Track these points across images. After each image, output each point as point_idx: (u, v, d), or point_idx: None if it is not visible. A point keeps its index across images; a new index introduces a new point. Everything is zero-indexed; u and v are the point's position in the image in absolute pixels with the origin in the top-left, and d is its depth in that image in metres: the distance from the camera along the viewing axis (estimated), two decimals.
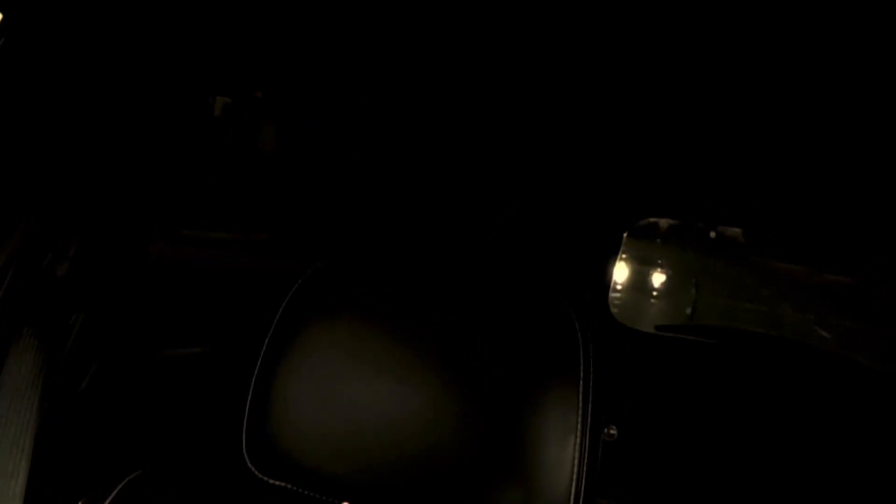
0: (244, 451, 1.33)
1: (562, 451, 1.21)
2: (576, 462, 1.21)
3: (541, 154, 2.90)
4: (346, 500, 1.35)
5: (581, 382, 1.22)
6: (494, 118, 2.32)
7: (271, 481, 1.33)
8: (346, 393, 1.27)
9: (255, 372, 1.31)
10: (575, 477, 1.21)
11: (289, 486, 1.33)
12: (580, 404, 1.22)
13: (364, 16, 1.56)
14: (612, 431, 2.87)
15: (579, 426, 1.22)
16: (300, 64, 1.87)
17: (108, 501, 1.40)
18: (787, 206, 3.05)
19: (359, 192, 2.59)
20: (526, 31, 1.54)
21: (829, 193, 2.71)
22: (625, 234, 3.73)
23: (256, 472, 1.33)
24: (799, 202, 3.02)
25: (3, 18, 1.63)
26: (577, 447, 1.21)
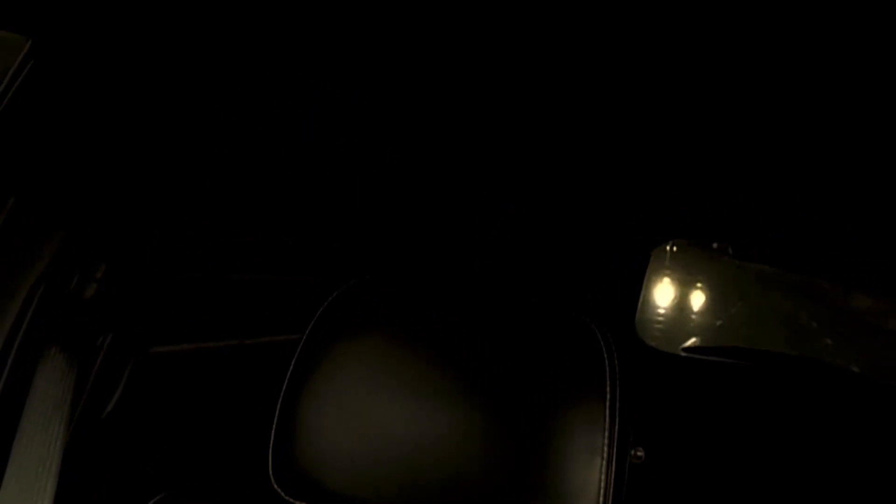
0: (270, 473, 1.32)
1: (588, 474, 1.19)
2: (602, 485, 1.19)
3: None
4: None
5: (607, 403, 1.21)
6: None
7: (297, 503, 1.32)
8: (373, 415, 1.26)
9: (282, 393, 1.30)
10: (601, 499, 1.19)
11: None
12: (606, 425, 1.20)
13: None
14: (639, 453, 2.84)
15: (605, 448, 1.20)
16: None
17: None
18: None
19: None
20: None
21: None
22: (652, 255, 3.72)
23: (283, 494, 1.32)
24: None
25: (32, 43, 1.63)
26: (604, 469, 1.20)
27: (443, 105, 2.17)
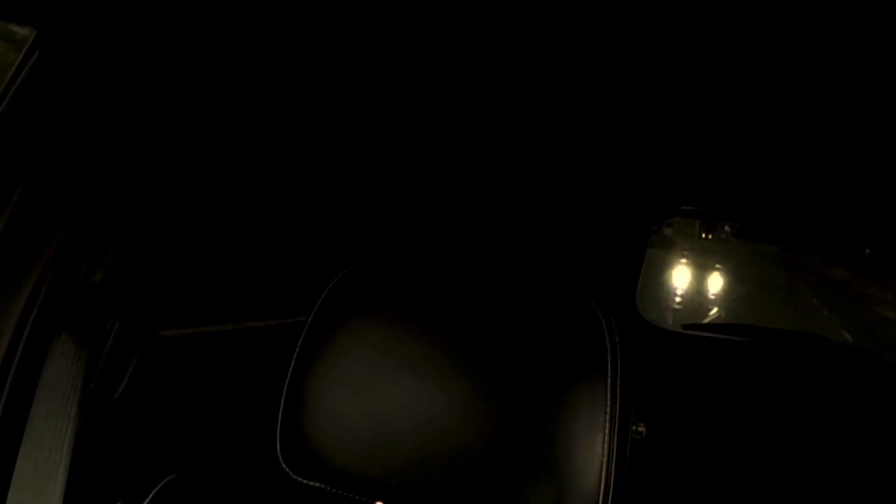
0: (279, 453, 1.32)
1: (590, 450, 1.20)
2: (604, 460, 1.20)
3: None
4: (379, 500, 1.34)
5: (609, 380, 1.21)
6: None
7: (306, 482, 1.33)
8: (378, 394, 1.27)
9: (289, 374, 1.31)
10: (604, 475, 1.20)
11: (323, 486, 1.32)
12: (608, 402, 1.21)
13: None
14: (640, 429, 2.85)
15: (607, 424, 1.20)
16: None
17: None
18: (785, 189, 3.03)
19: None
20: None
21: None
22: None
23: (291, 473, 1.33)
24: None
25: (37, 34, 1.63)
26: (606, 445, 1.20)
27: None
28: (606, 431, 1.20)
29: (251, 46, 1.75)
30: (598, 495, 1.20)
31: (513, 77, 1.81)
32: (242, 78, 1.86)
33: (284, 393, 1.30)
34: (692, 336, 3.77)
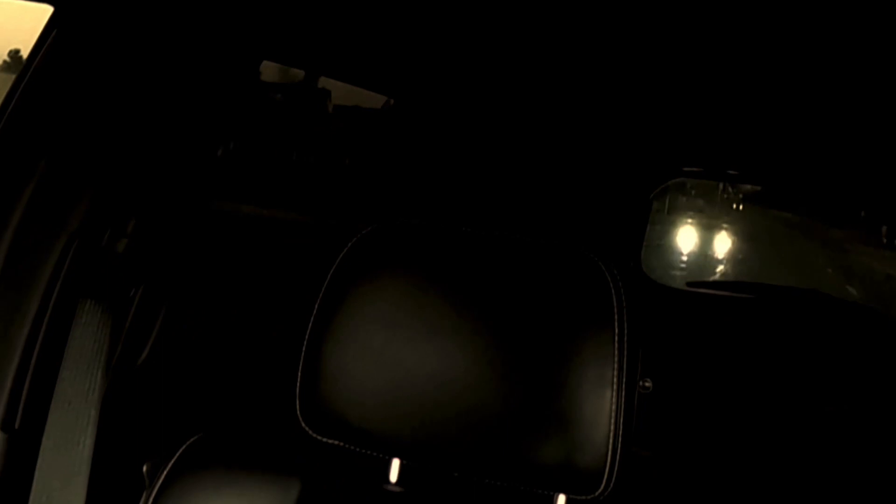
0: (298, 412, 1.33)
1: (599, 404, 1.21)
2: (613, 413, 1.20)
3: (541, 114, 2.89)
4: (396, 456, 1.35)
5: (616, 337, 1.21)
6: (495, 72, 2.29)
7: (325, 440, 1.33)
8: (394, 354, 1.27)
9: (307, 335, 1.31)
10: (612, 427, 1.20)
11: (342, 444, 1.33)
12: (615, 358, 1.21)
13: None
14: (647, 384, 2.86)
15: (615, 379, 1.21)
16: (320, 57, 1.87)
17: (170, 464, 1.41)
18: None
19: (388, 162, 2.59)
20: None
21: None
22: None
23: (310, 432, 1.33)
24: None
25: (55, 11, 1.63)
26: (614, 400, 1.21)
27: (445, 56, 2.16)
28: (614, 386, 1.21)
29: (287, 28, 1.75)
30: (608, 447, 1.20)
31: (510, 33, 1.80)
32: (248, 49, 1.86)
33: (303, 353, 1.31)
34: (697, 294, 3.79)
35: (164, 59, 1.71)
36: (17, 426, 1.63)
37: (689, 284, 4.09)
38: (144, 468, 1.49)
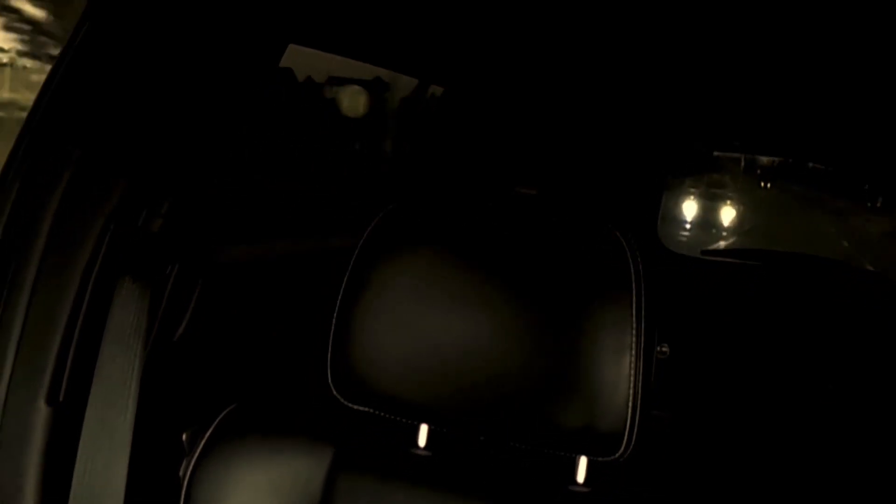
0: (330, 381, 1.34)
1: (618, 369, 1.21)
2: (631, 378, 1.21)
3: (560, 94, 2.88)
4: (424, 422, 1.35)
5: (633, 304, 1.22)
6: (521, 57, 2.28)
7: (356, 407, 1.34)
8: (421, 323, 1.28)
9: (337, 305, 1.31)
10: (631, 391, 1.21)
11: (372, 410, 1.34)
12: (633, 325, 1.22)
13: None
14: (664, 349, 2.86)
15: (633, 345, 1.21)
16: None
17: (208, 433, 1.42)
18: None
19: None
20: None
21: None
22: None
23: (341, 399, 1.34)
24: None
25: (88, 3, 1.64)
26: (633, 365, 1.21)
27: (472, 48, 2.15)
28: (633, 352, 1.21)
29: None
30: (627, 410, 1.21)
31: (532, 19, 1.79)
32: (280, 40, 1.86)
33: (334, 323, 1.32)
34: (711, 262, 3.78)
35: (195, 45, 1.71)
36: (61, 399, 1.64)
37: (704, 253, 4.09)
38: (184, 437, 1.50)
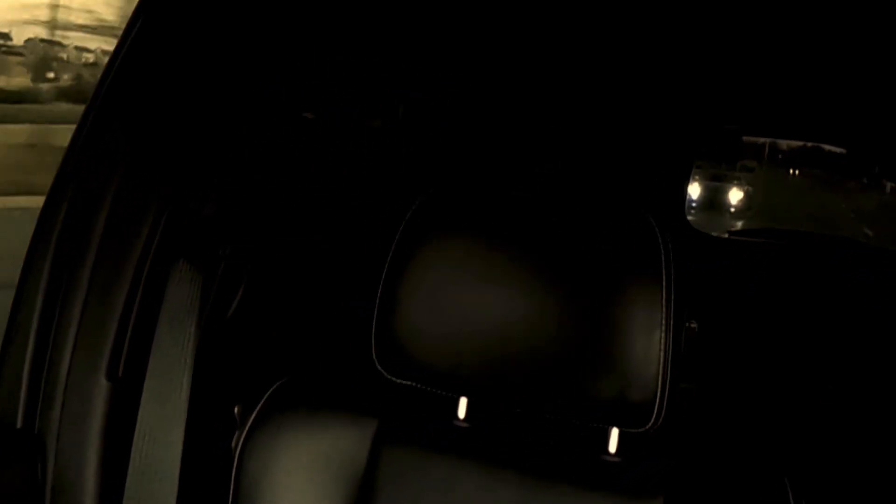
0: (374, 356, 1.35)
1: (649, 344, 1.21)
2: (661, 352, 1.21)
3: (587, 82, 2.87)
4: (463, 395, 1.36)
5: (664, 283, 1.22)
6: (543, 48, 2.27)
7: (399, 381, 1.35)
8: (461, 301, 1.29)
9: (381, 285, 1.33)
10: (661, 365, 1.21)
11: (414, 384, 1.35)
12: (664, 303, 1.22)
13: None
14: (693, 325, 2.87)
15: (663, 322, 1.22)
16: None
17: (259, 406, 1.43)
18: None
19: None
20: None
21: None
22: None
23: (385, 373, 1.35)
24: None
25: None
26: (663, 340, 1.22)
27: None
28: (663, 328, 1.22)
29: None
30: (657, 383, 1.21)
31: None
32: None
33: (378, 302, 1.33)
34: (737, 241, 3.78)
35: (243, 40, 1.72)
36: (120, 375, 1.66)
37: (730, 233, 4.09)
38: (236, 410, 1.52)
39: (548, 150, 3.10)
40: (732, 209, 16.79)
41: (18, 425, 1.66)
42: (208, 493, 1.56)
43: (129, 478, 1.67)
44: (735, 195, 17.57)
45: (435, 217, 1.34)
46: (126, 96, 1.67)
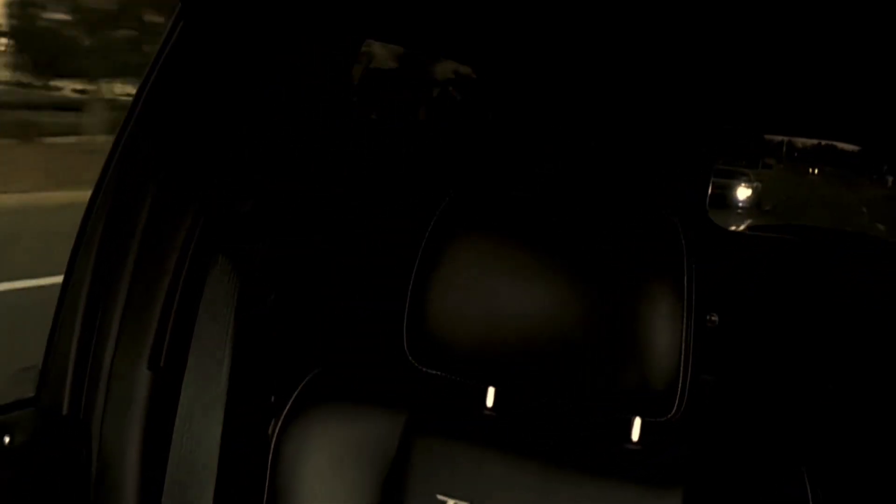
0: (405, 347, 1.36)
1: (671, 336, 1.22)
2: (683, 344, 1.22)
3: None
4: (491, 384, 1.38)
5: (685, 277, 1.23)
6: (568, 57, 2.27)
7: (429, 371, 1.37)
8: (489, 295, 1.30)
9: (412, 280, 1.34)
10: (682, 356, 1.22)
11: (444, 374, 1.36)
12: (685, 297, 1.23)
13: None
14: (713, 318, 2.87)
15: (685, 315, 1.23)
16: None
17: (294, 396, 1.45)
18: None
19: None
20: None
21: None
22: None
23: (416, 363, 1.36)
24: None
25: (181, 5, 1.67)
26: (684, 332, 1.23)
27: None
28: (684, 320, 1.22)
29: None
30: (679, 374, 1.22)
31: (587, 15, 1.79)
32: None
33: (409, 296, 1.34)
34: (757, 237, 3.77)
35: (280, 42, 1.74)
36: (161, 365, 1.68)
37: (751, 228, 4.08)
38: (272, 399, 1.54)
39: (576, 153, 3.11)
40: (740, 207, 16.63)
41: (64, 412, 1.69)
42: (246, 479, 1.58)
43: (169, 463, 1.70)
44: (743, 192, 17.42)
45: (463, 216, 1.35)
46: (165, 101, 1.69)
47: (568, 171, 2.91)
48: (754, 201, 17.64)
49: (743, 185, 17.63)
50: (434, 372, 1.37)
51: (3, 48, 10.17)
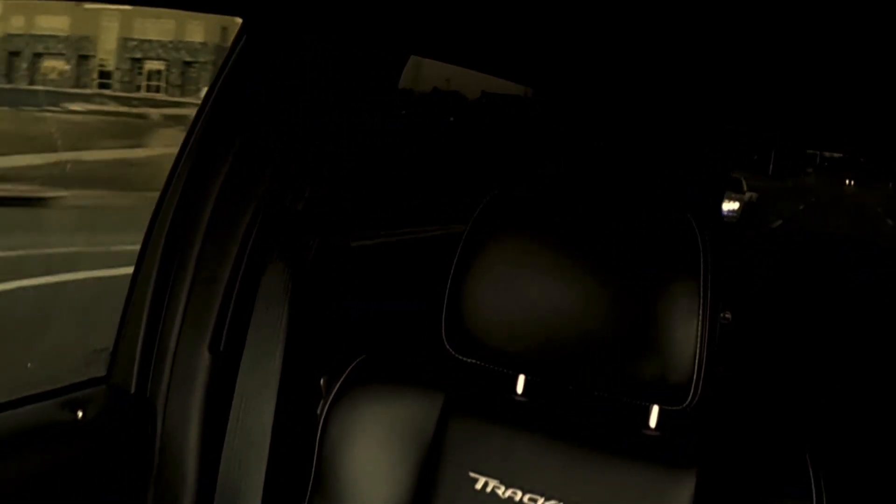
0: (443, 336, 1.37)
1: (687, 332, 1.22)
2: (698, 340, 1.22)
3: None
4: (522, 372, 1.38)
5: (701, 277, 1.23)
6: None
7: (465, 359, 1.37)
8: (522, 289, 1.31)
9: (451, 274, 1.35)
10: (698, 350, 1.22)
11: (478, 362, 1.37)
12: (701, 294, 1.23)
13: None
14: (727, 315, 2.86)
15: (700, 311, 1.23)
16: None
17: (341, 379, 1.46)
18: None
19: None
20: None
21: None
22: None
23: (453, 352, 1.37)
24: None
25: (243, 21, 1.68)
26: (700, 328, 1.23)
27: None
28: (700, 317, 1.22)
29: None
30: (695, 365, 1.22)
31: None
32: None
33: (448, 289, 1.35)
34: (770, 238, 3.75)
35: (333, 53, 1.74)
36: (221, 349, 1.70)
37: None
38: (321, 382, 1.55)
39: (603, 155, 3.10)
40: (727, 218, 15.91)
41: (132, 391, 1.71)
42: (296, 454, 1.59)
43: (226, 440, 1.72)
44: (726, 206, 16.61)
45: (499, 216, 1.36)
46: (228, 109, 1.71)
47: (590, 173, 2.91)
48: (740, 217, 11.43)
49: (775, 186, 17.37)
50: (469, 360, 1.37)
51: None
